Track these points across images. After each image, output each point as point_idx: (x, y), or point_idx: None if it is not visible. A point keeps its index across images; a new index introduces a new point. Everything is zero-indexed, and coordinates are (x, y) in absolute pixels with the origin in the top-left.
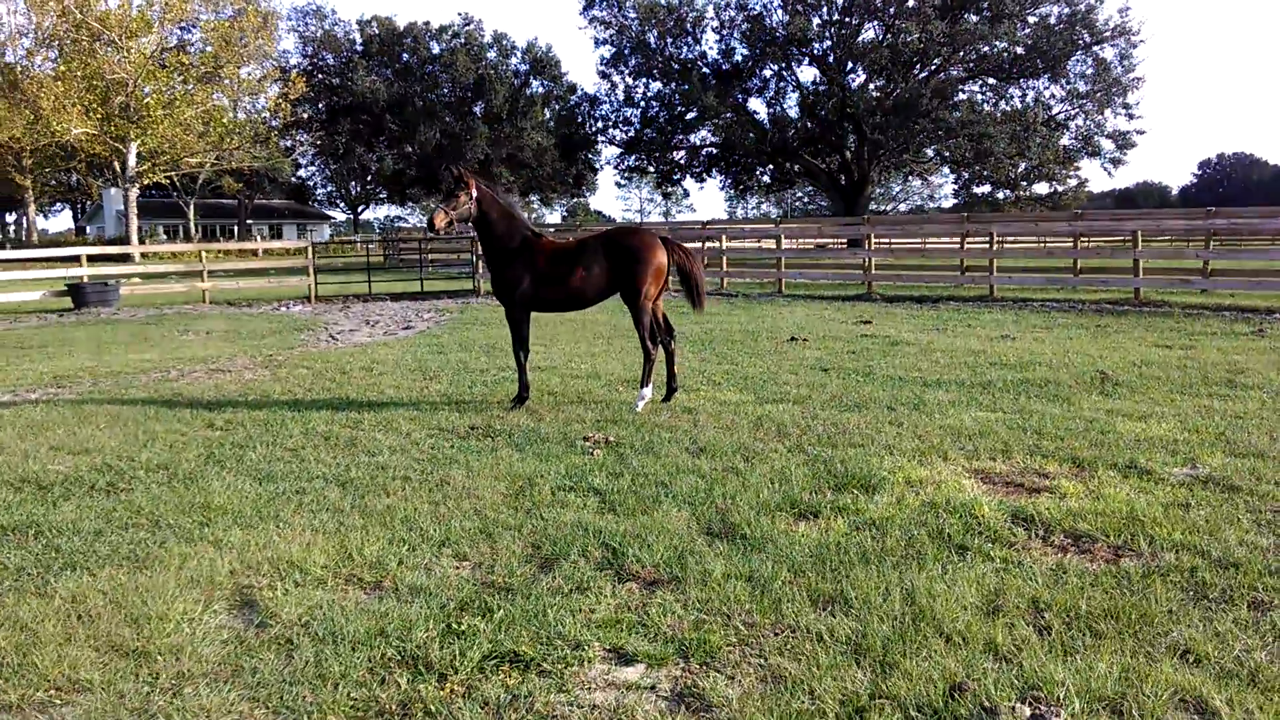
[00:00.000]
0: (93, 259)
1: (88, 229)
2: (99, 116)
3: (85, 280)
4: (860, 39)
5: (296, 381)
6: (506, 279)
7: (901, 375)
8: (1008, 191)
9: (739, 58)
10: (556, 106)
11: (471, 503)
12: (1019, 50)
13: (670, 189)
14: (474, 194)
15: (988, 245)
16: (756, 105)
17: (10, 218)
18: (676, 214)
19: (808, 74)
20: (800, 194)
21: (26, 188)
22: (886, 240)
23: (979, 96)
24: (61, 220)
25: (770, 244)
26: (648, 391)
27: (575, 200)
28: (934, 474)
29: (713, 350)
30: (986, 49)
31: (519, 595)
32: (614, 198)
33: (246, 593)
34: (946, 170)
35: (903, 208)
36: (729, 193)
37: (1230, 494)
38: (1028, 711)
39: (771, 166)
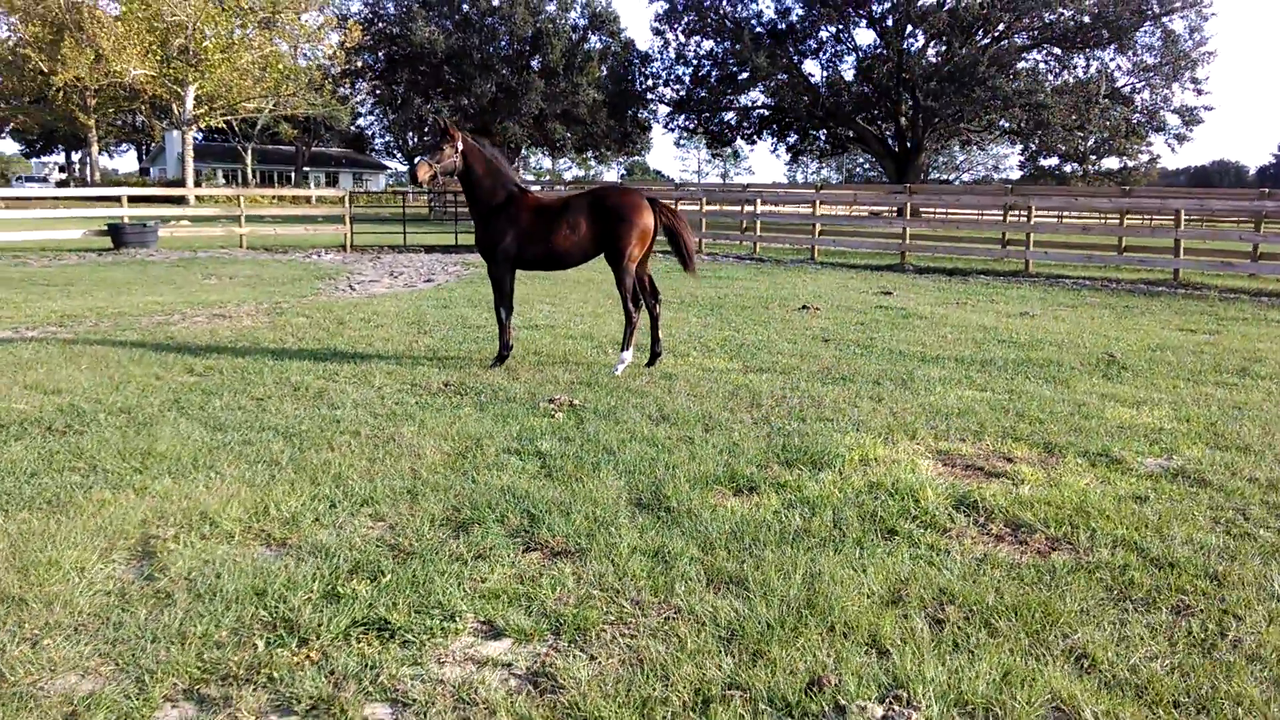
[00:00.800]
0: (133, 199)
1: (151, 170)
2: (158, 58)
3: (125, 221)
4: (920, 2)
5: (291, 330)
6: (489, 234)
7: (902, 349)
8: (1075, 165)
9: (794, 18)
10: (612, 63)
11: (410, 462)
12: (1085, 19)
13: (720, 150)
14: (459, 146)
15: (1025, 219)
16: (811, 67)
17: (75, 156)
18: (734, 175)
19: (865, 37)
20: (863, 160)
21: (90, 127)
22: (941, 210)
23: (1041, 65)
24: (128, 161)
25: (842, 209)
26: (628, 355)
27: (632, 159)
28: (893, 453)
29: (718, 316)
30: (1051, 16)
31: (417, 559)
32: (672, 157)
33: (150, 544)
34: (1009, 140)
35: (966, 178)
36: (787, 156)
37: (1197, 488)
38: (879, 711)
39: (824, 131)
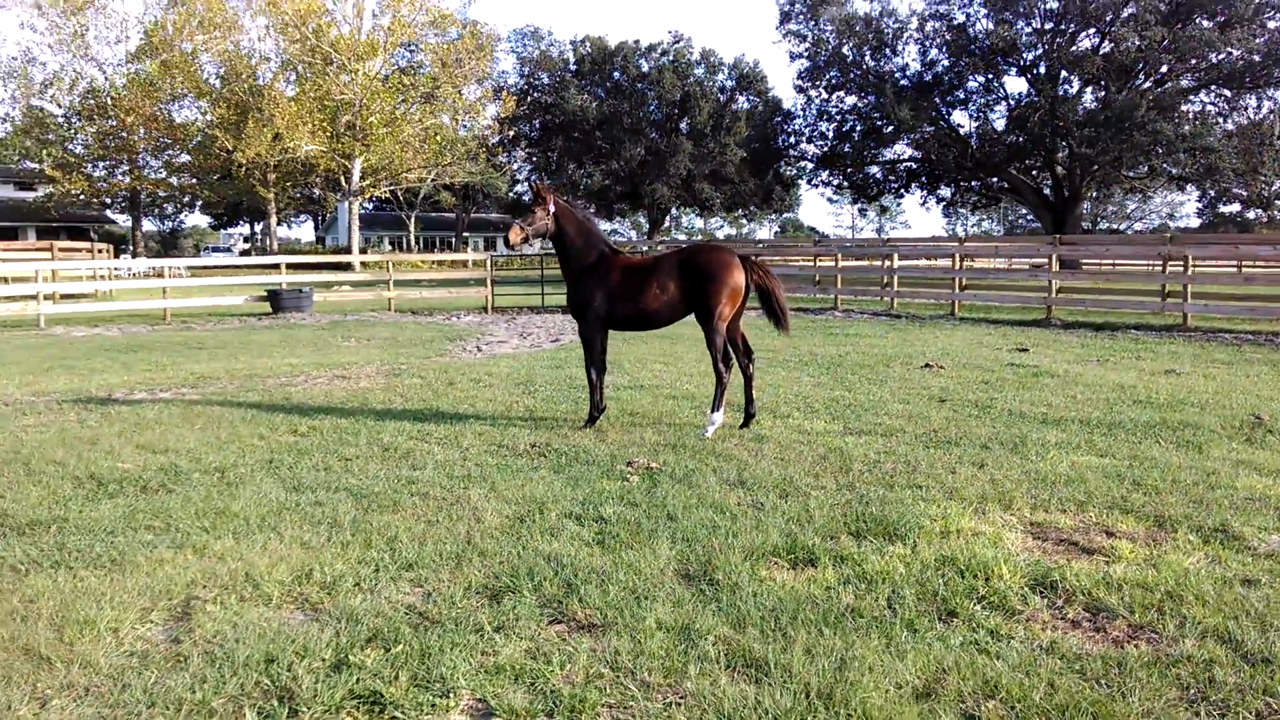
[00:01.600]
0: (291, 267)
1: (326, 239)
2: (327, 134)
3: (283, 287)
4: (1074, 48)
5: (401, 391)
6: (580, 295)
7: (1023, 411)
8: (1259, 210)
9: (940, 69)
10: (755, 121)
11: (468, 525)
12: (1255, 58)
13: (865, 204)
14: (551, 209)
15: (1182, 270)
16: (960, 118)
17: (259, 227)
18: (890, 230)
19: (1016, 85)
20: (1026, 211)
21: (269, 200)
22: (1094, 262)
23: (1210, 108)
24: (306, 230)
25: (1001, 263)
26: (718, 416)
27: (784, 216)
28: (979, 525)
29: (832, 375)
30: (1217, 57)
31: (437, 629)
32: (824, 213)
33: (190, 605)
34: (1182, 187)
35: (1138, 227)
36: (938, 209)
37: None
38: None
39: (977, 182)
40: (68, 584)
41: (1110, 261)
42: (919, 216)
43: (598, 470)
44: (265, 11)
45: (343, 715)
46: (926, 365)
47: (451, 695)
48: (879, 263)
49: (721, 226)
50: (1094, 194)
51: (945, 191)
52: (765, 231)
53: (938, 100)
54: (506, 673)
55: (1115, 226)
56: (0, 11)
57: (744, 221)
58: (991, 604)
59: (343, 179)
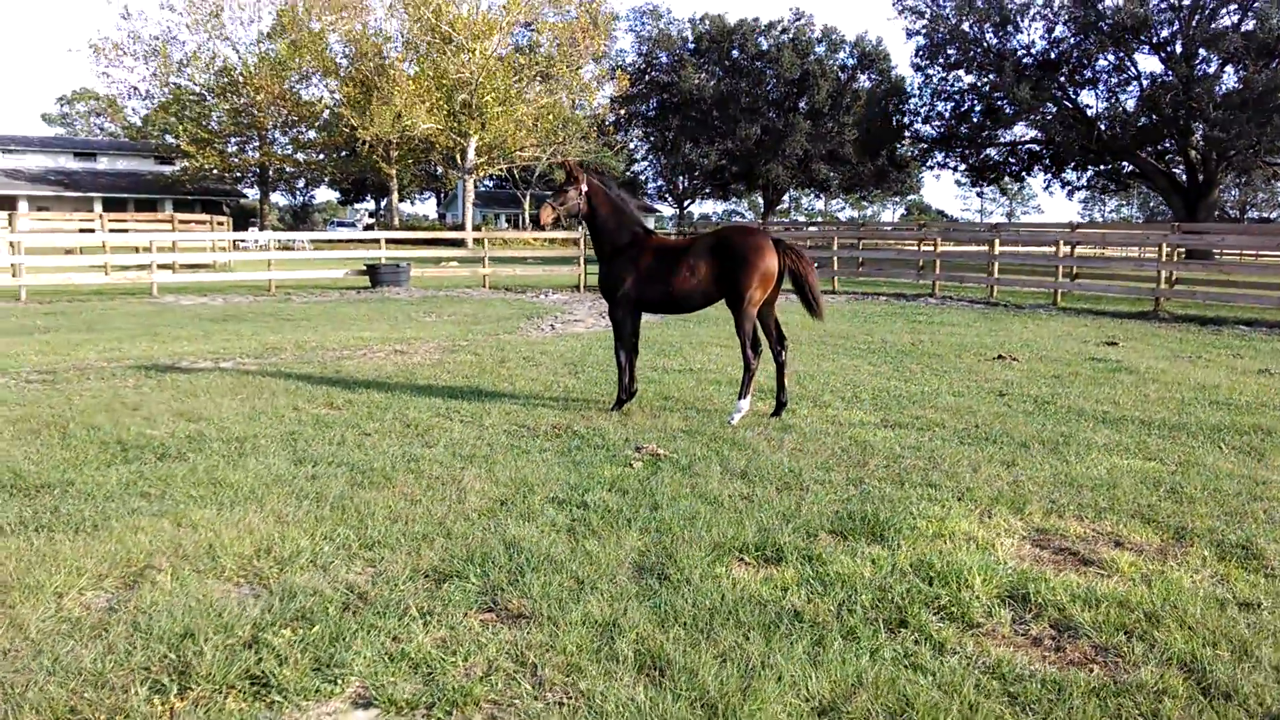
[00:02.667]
0: (389, 242)
1: (446, 215)
2: (444, 113)
3: (382, 261)
4: (1213, 25)
5: (450, 368)
6: (611, 276)
7: (1083, 408)
8: None
9: (1066, 47)
10: (866, 100)
11: (448, 506)
12: None
13: (983, 188)
14: (583, 189)
15: None
16: (1088, 98)
17: (383, 203)
18: (1021, 214)
19: (1149, 64)
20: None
21: (391, 176)
22: (1249, 252)
23: None
24: (429, 207)
25: (1134, 251)
26: (745, 404)
27: (909, 198)
28: (977, 529)
29: (896, 364)
30: None
31: (363, 612)
32: (952, 196)
33: (144, 574)
34: None
35: None
36: (1062, 193)
37: None
38: None
39: (1106, 166)
40: (38, 547)
41: (1251, 252)
42: (1057, 202)
43: (605, 454)
44: None
45: (228, 695)
46: (999, 357)
47: (341, 682)
48: (982, 248)
49: (843, 208)
50: (1232, 179)
51: (1070, 175)
52: (889, 214)
53: (1063, 79)
54: (407, 661)
55: (1268, 215)
56: None
57: (865, 203)
58: (951, 615)
59: (458, 157)
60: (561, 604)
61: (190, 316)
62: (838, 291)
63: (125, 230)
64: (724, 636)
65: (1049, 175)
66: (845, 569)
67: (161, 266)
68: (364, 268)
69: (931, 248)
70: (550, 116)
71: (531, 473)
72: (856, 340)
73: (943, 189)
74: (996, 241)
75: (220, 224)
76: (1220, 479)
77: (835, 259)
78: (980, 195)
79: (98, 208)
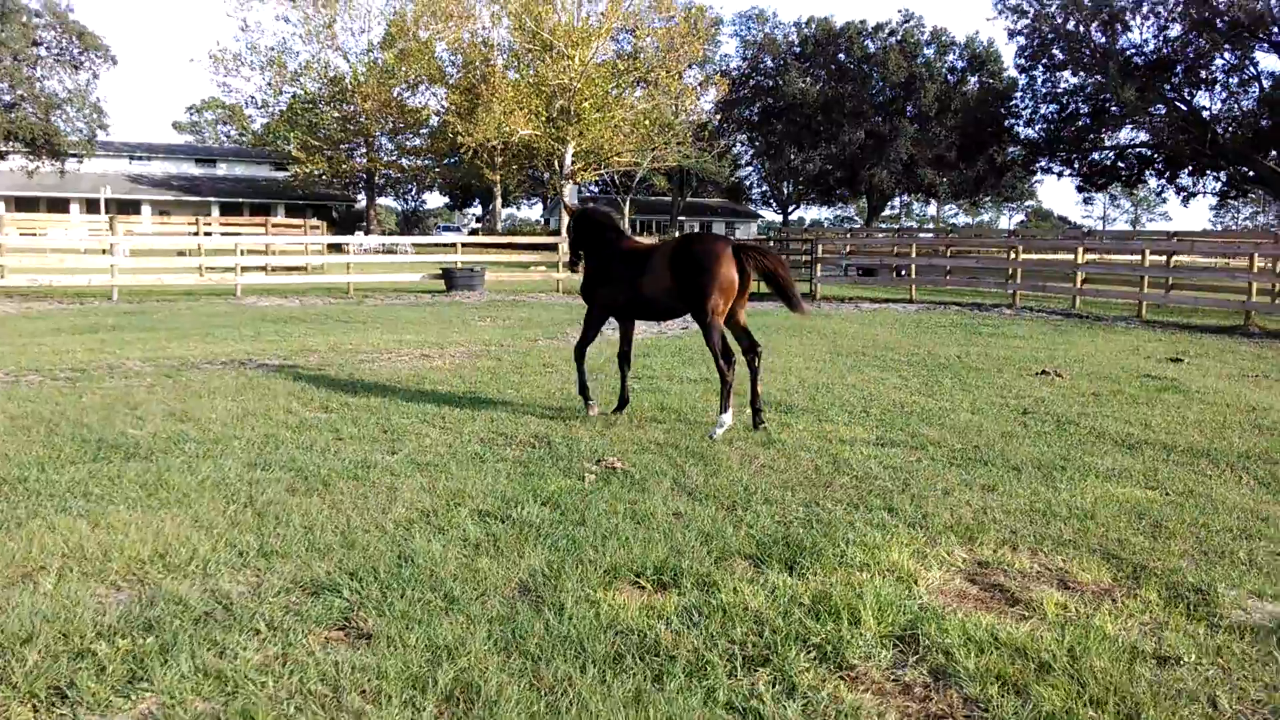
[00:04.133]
0: (465, 247)
1: (550, 220)
2: (543, 119)
3: (457, 266)
4: None
5: (464, 374)
6: (585, 278)
7: (1106, 429)
8: None
9: (1178, 46)
10: (969, 102)
11: (369, 516)
12: None
13: (1091, 193)
14: (565, 219)
15: None
16: (1204, 100)
17: (489, 208)
18: (1146, 222)
19: (1270, 62)
20: None
21: (496, 182)
22: None
23: None
24: (536, 212)
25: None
26: (726, 418)
27: (1028, 204)
28: (908, 560)
29: (925, 378)
30: None
31: (208, 624)
32: (1073, 202)
33: (30, 576)
34: None
35: None
36: (1177, 199)
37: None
38: None
39: (1224, 171)
40: None
41: None
42: (1189, 209)
43: (562, 466)
44: (489, 1)
45: (26, 703)
46: (1043, 372)
47: (137, 697)
48: (1066, 257)
49: (955, 214)
50: None
51: (1186, 180)
52: (1005, 220)
53: (1177, 80)
54: (217, 680)
55: None
56: (260, 6)
57: (980, 209)
58: (824, 655)
59: (555, 162)
60: (412, 625)
61: (255, 318)
62: (914, 300)
63: (209, 234)
64: (558, 668)
65: (1163, 180)
66: (735, 599)
67: (255, 269)
68: (440, 271)
69: (1013, 255)
70: (647, 122)
71: (475, 484)
72: (900, 352)
73: (1063, 195)
74: (1080, 250)
75: (315, 228)
76: (1217, 513)
77: (913, 267)
78: (1089, 201)
79: (215, 212)
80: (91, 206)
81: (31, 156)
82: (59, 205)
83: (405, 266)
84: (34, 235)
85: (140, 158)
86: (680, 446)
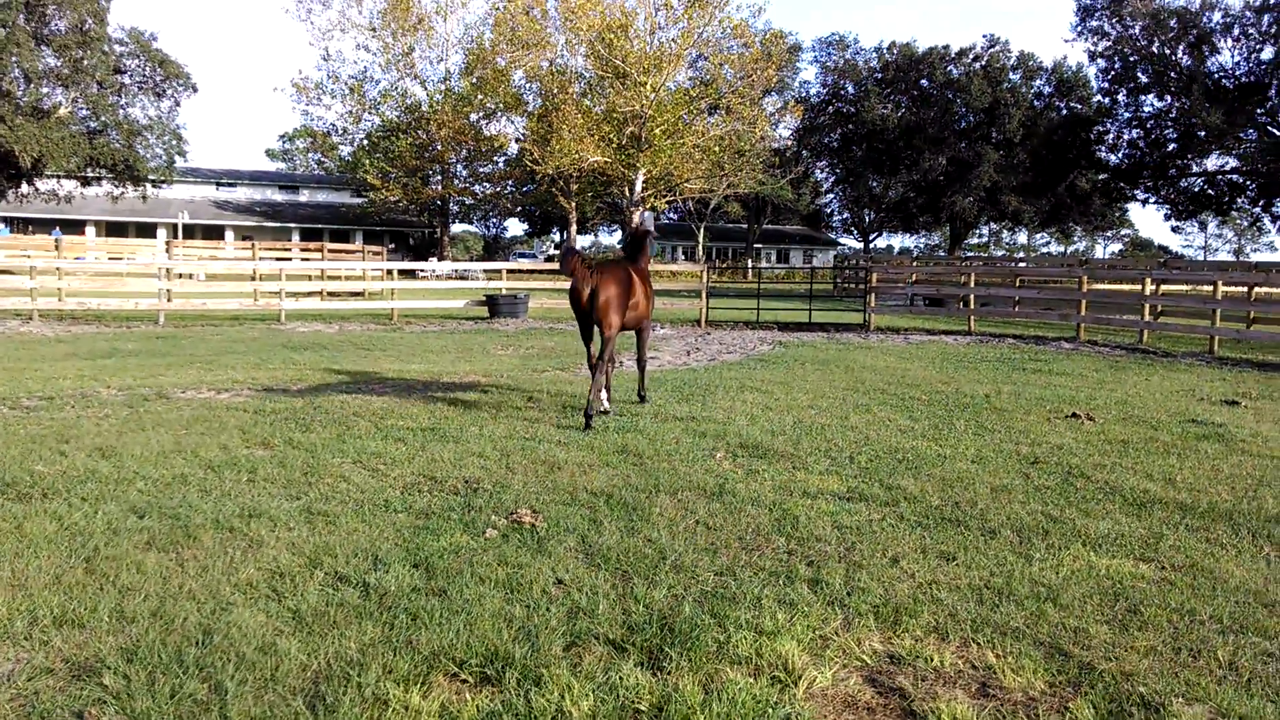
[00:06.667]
0: (510, 273)
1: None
2: (612, 146)
3: (501, 292)
4: None
5: (438, 410)
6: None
7: (1120, 486)
8: None
9: (1268, 68)
10: (1045, 128)
11: (213, 578)
12: None
13: (1179, 221)
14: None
15: None
16: None
17: (564, 235)
18: (1252, 252)
19: None
20: None
21: (570, 210)
22: None
23: None
24: (614, 239)
25: None
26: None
27: (1124, 232)
28: (801, 653)
29: (938, 421)
30: None
31: None
32: (1168, 229)
33: None
34: None
35: None
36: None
37: None
38: None
39: None
40: None
41: None
42: None
43: (468, 519)
44: (565, 29)
45: None
46: (1073, 415)
47: None
48: (1141, 288)
49: (1047, 243)
50: None
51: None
52: (1100, 249)
53: (1271, 103)
54: None
55: None
56: (341, 36)
57: (1073, 239)
58: None
59: (625, 189)
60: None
61: (279, 344)
62: (972, 332)
63: (248, 258)
64: None
65: (1257, 208)
66: (551, 703)
67: (309, 294)
68: (484, 298)
69: (1078, 287)
70: (718, 149)
71: (354, 540)
72: (924, 389)
73: (1164, 223)
74: (1147, 281)
75: (376, 253)
76: (1213, 595)
77: (971, 298)
78: (1176, 230)
79: (295, 237)
80: (182, 231)
81: (115, 182)
82: (146, 230)
83: (448, 293)
84: (120, 259)
85: (227, 184)
86: (616, 497)
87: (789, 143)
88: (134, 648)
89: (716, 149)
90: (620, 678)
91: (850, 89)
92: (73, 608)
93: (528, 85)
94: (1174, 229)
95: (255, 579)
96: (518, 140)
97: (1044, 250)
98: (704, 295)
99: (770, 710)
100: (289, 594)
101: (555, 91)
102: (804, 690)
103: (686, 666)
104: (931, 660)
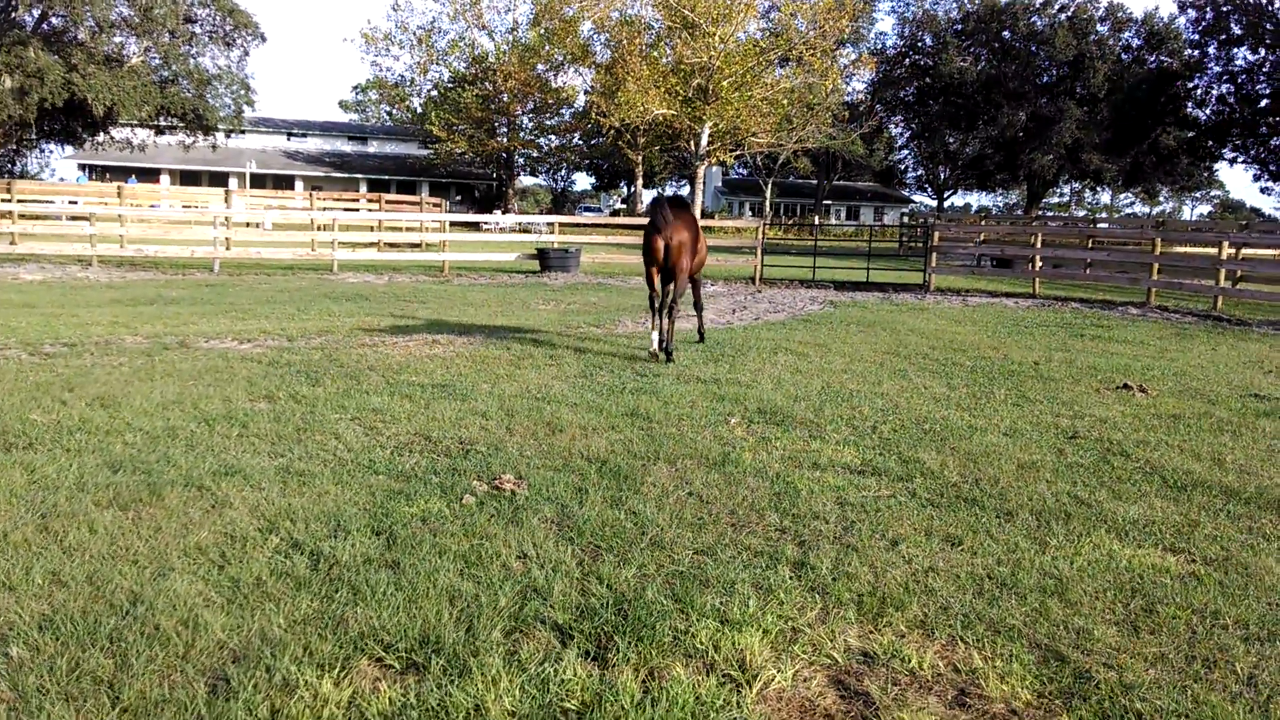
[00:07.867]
0: (564, 226)
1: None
2: (679, 99)
3: (553, 246)
4: None
5: (456, 365)
6: None
7: (1162, 465)
8: None
9: None
10: (1129, 82)
11: (164, 542)
12: None
13: (1270, 183)
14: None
15: None
16: None
17: (631, 189)
18: None
19: None
20: None
21: (637, 163)
22: None
23: None
24: (685, 192)
25: None
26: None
27: (1213, 193)
28: (763, 649)
29: (977, 389)
30: None
31: None
32: (1257, 190)
33: None
34: None
35: None
36: None
37: None
38: None
39: None
40: None
41: None
42: None
43: (448, 484)
44: None
45: None
46: (1125, 386)
47: None
48: (1219, 252)
49: (1131, 203)
50: None
51: None
52: (1188, 211)
53: None
54: None
55: None
56: None
57: (1160, 199)
58: None
59: (691, 143)
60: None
61: (322, 294)
62: (1036, 295)
63: (300, 208)
64: None
65: None
66: (471, 697)
67: (366, 245)
68: (535, 251)
69: (1151, 250)
70: (786, 102)
71: (323, 502)
72: (970, 354)
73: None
74: (1225, 244)
75: (435, 205)
76: (1244, 594)
77: (1037, 259)
78: (1265, 191)
79: (363, 188)
80: (252, 181)
81: (186, 132)
82: (219, 179)
83: (501, 245)
84: (193, 207)
85: (298, 134)
86: (610, 464)
87: (862, 96)
88: (53, 615)
89: (785, 102)
90: (555, 670)
91: (928, 40)
92: (7, 569)
93: (596, 36)
94: (1263, 190)
95: (206, 543)
96: (586, 93)
97: (1128, 211)
98: (758, 252)
99: (713, 715)
100: (235, 561)
101: (623, 42)
102: (756, 692)
103: (633, 660)
104: (909, 661)
